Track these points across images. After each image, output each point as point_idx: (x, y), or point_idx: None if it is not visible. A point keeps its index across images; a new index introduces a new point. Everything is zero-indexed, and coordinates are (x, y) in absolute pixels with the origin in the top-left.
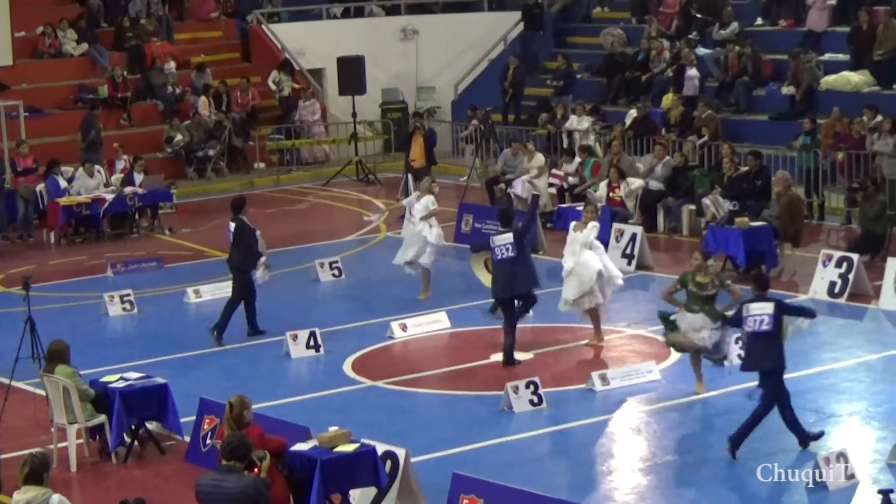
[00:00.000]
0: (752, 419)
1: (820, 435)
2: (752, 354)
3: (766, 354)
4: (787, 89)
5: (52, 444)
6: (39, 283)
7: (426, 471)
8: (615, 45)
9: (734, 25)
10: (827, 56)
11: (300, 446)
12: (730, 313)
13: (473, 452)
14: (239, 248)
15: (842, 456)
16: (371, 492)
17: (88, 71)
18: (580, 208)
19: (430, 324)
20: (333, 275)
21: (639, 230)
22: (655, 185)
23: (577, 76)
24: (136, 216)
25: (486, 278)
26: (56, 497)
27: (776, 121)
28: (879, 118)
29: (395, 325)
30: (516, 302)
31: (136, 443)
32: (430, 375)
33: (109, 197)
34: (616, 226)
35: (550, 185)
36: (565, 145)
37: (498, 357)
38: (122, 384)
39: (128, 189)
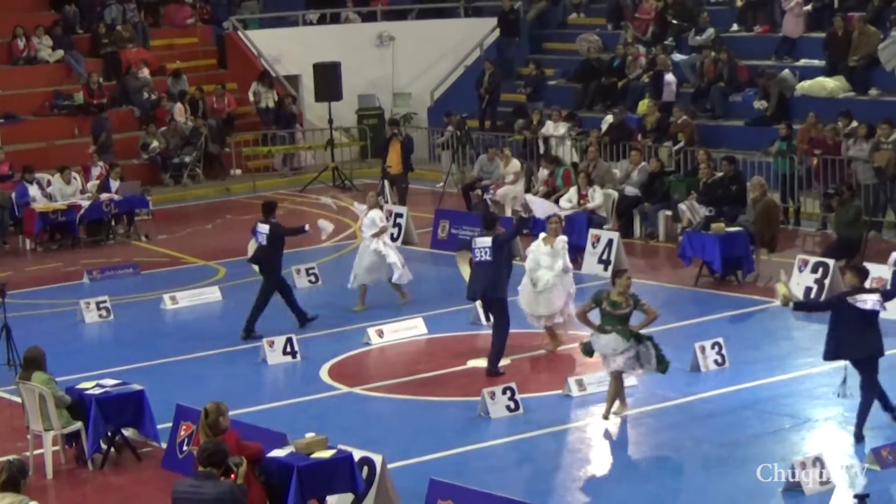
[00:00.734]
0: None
1: None
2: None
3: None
4: (758, 104)
5: (28, 450)
6: (15, 289)
7: (403, 477)
8: (591, 51)
9: (710, 31)
10: (802, 62)
11: (277, 452)
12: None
13: (450, 458)
14: (272, 248)
15: (818, 461)
16: (348, 498)
17: (64, 77)
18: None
19: (407, 330)
20: (310, 281)
21: (615, 236)
22: (631, 190)
23: (547, 83)
24: (113, 223)
25: (468, 276)
26: None
27: (752, 126)
28: (855, 124)
29: (371, 332)
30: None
31: (112, 449)
32: (406, 381)
33: (85, 203)
34: (592, 231)
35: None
36: (541, 151)
37: (475, 363)
38: (98, 391)
39: (104, 195)
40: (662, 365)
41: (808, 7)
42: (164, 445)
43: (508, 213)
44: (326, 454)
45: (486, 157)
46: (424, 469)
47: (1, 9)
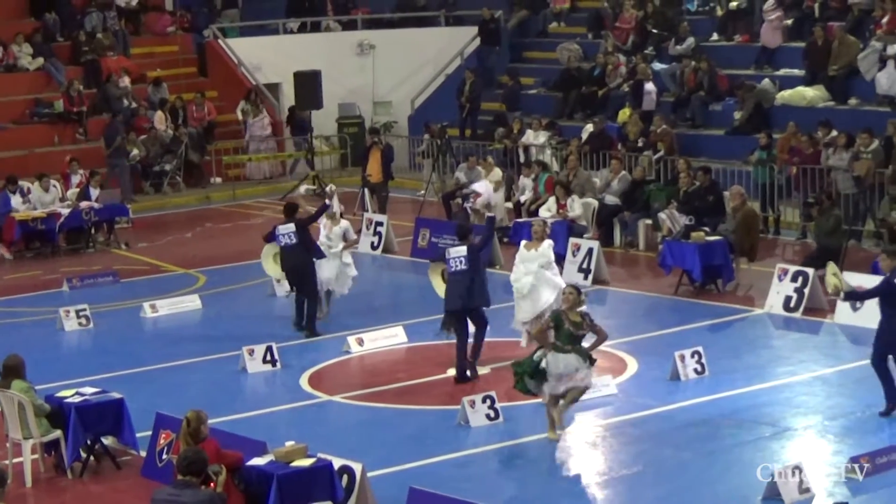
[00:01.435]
0: None
1: None
2: None
3: None
4: (738, 114)
5: (7, 459)
6: None
7: (383, 485)
8: (571, 60)
9: (690, 41)
10: (782, 71)
11: (256, 461)
12: None
13: (430, 467)
14: (302, 247)
15: (797, 469)
16: None
17: (44, 85)
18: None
19: (387, 338)
20: (290, 290)
21: (595, 245)
22: (612, 199)
23: (521, 93)
24: (92, 231)
25: (441, 289)
26: None
27: (732, 135)
28: (834, 133)
29: (351, 340)
30: (468, 319)
31: (91, 458)
32: (386, 390)
33: (65, 211)
34: (572, 240)
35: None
36: (522, 160)
37: (454, 372)
38: (77, 399)
39: (84, 203)
40: None
41: (788, 22)
42: (143, 454)
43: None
44: (306, 462)
45: (466, 164)
46: (404, 478)
47: None
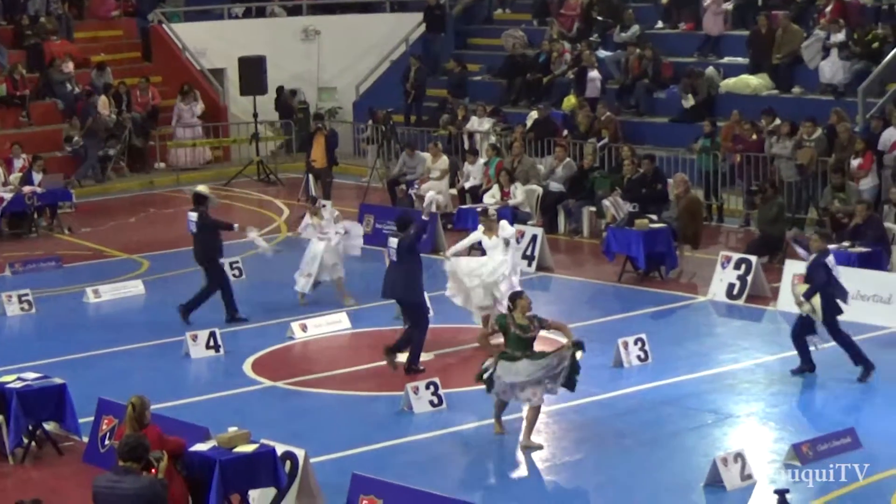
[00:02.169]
0: None
1: None
2: None
3: None
4: (686, 102)
5: None
6: None
7: (325, 471)
8: (516, 46)
9: (635, 28)
10: (726, 59)
11: (199, 447)
12: None
13: (373, 453)
14: (202, 236)
15: (739, 456)
16: (270, 492)
17: None
18: (479, 209)
19: (331, 324)
20: (234, 275)
21: (539, 231)
22: (556, 186)
23: (472, 78)
24: (35, 215)
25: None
26: None
27: (676, 123)
28: (778, 121)
29: (295, 326)
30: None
31: (33, 443)
32: (330, 376)
33: (8, 196)
34: (517, 226)
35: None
36: (466, 146)
37: (399, 358)
38: (19, 384)
39: (26, 188)
40: (571, 382)
41: (729, 5)
42: (85, 440)
43: (433, 208)
44: (249, 448)
45: (406, 153)
46: (347, 464)
47: None
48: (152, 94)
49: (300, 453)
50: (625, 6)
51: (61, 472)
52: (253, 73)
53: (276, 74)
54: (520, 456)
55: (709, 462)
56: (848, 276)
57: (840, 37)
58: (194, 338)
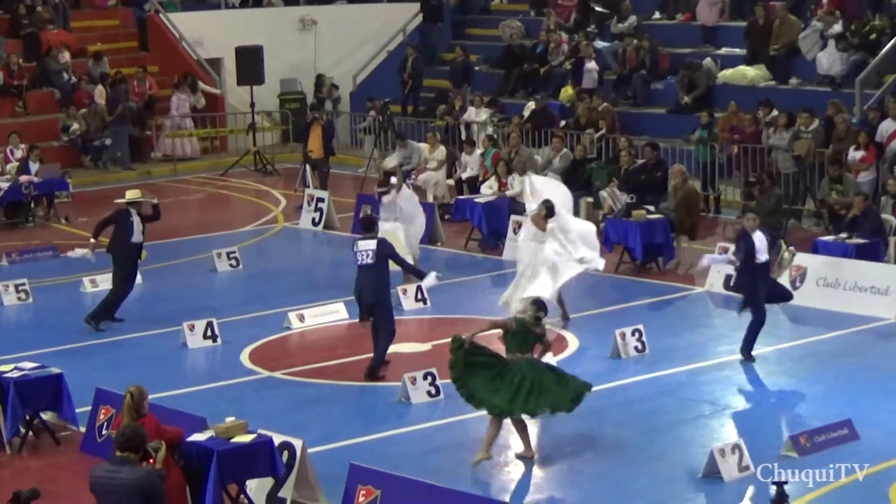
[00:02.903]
0: None
1: None
2: None
3: None
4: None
5: None
6: None
7: (323, 462)
8: (514, 37)
9: (632, 19)
10: (724, 50)
11: (196, 437)
12: None
13: (370, 443)
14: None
15: (737, 447)
16: (268, 482)
17: None
18: (478, 200)
19: (328, 315)
20: (231, 265)
21: None
22: (553, 177)
23: (475, 68)
24: (32, 205)
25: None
26: None
27: (673, 114)
28: (775, 113)
29: (292, 316)
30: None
31: (30, 433)
32: (327, 366)
33: (4, 185)
34: (514, 218)
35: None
36: (463, 137)
37: (396, 348)
38: (16, 374)
39: (23, 178)
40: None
41: None
42: (83, 429)
43: (430, 198)
44: (246, 439)
45: (399, 143)
46: (344, 454)
47: None
48: (149, 83)
49: (298, 443)
50: None
51: (59, 462)
52: (250, 62)
53: (273, 64)
54: (516, 446)
55: (706, 453)
56: (845, 268)
57: (837, 28)
58: (191, 328)
